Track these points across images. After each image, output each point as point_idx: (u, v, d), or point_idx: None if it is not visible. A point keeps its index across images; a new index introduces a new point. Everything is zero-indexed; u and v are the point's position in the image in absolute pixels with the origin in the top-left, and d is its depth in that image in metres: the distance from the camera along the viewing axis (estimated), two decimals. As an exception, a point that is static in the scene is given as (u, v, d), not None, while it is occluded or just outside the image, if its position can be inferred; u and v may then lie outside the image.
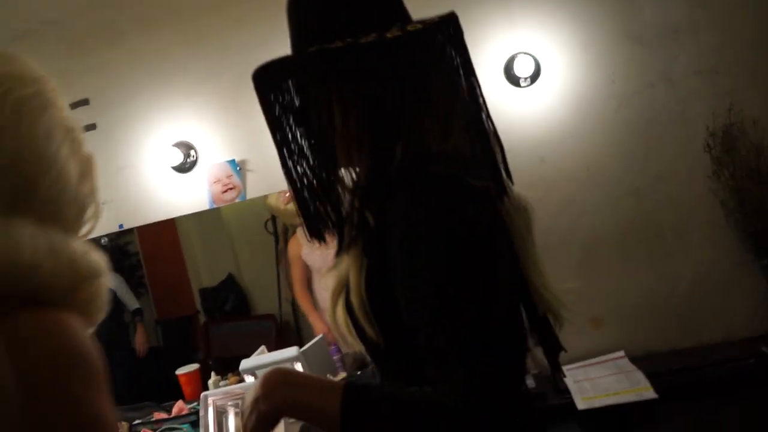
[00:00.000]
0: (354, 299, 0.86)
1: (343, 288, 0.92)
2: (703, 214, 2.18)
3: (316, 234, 0.93)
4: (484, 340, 0.76)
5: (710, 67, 2.16)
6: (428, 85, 0.87)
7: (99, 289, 0.76)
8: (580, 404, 1.91)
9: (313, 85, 0.90)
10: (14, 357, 0.66)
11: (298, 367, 2.10)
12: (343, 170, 0.94)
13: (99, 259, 0.75)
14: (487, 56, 2.23)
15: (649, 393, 1.87)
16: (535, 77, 2.22)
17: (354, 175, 0.93)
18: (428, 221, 0.80)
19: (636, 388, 1.92)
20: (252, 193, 2.45)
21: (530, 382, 2.15)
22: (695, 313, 2.20)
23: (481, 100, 0.89)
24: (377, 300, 0.85)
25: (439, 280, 0.78)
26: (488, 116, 0.90)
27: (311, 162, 0.92)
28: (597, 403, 1.90)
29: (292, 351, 2.14)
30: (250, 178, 2.45)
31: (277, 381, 0.85)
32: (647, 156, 2.20)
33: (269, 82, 0.90)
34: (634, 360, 2.11)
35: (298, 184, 0.91)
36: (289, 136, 0.91)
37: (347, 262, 0.90)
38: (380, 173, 0.87)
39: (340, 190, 0.93)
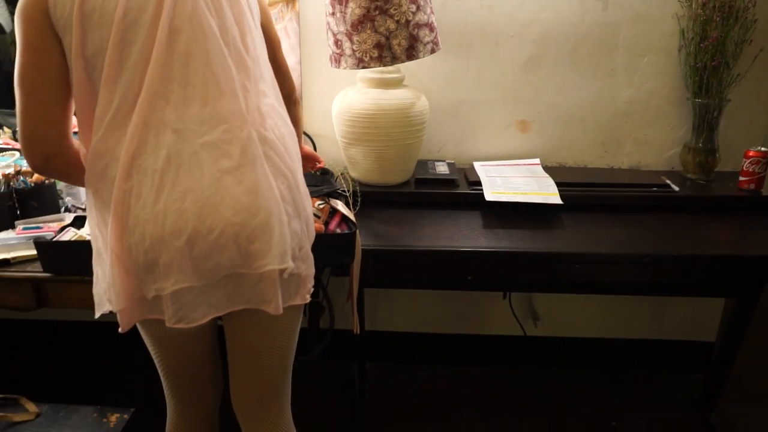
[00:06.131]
0: None
1: None
2: (660, 39, 2.10)
3: None
4: None
5: None
6: None
7: None
8: (489, 196, 1.92)
9: None
10: None
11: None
12: None
13: None
14: None
15: (554, 198, 1.91)
16: None
17: None
18: None
19: (544, 192, 1.95)
20: None
21: (444, 168, 2.14)
22: (618, 136, 2.22)
23: None
24: None
25: None
26: None
27: None
28: (504, 198, 1.92)
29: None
30: None
31: None
32: (628, -38, 2.02)
33: None
34: (548, 169, 2.13)
35: None
36: None
37: None
38: None
39: None
